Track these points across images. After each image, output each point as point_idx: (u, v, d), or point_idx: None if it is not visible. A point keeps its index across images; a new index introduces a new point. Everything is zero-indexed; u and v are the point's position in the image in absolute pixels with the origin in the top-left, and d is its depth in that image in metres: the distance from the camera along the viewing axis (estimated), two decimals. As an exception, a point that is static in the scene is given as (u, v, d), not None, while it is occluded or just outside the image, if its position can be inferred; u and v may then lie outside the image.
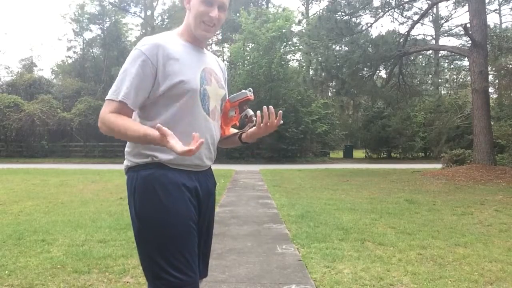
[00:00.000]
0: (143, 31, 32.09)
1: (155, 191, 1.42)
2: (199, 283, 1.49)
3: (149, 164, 1.45)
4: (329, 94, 24.02)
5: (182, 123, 1.46)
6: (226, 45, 32.59)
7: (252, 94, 1.62)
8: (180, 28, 1.58)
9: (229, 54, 29.13)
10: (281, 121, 1.55)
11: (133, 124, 1.40)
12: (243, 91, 1.63)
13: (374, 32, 22.81)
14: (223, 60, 27.58)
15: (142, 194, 1.44)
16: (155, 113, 1.47)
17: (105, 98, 1.46)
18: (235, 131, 1.69)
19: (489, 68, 14.02)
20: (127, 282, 3.02)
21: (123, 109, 1.42)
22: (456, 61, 26.39)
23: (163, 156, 1.44)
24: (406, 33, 14.53)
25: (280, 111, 1.56)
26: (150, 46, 1.43)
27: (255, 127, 1.60)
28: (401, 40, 14.17)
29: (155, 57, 1.42)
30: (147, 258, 1.45)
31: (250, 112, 1.63)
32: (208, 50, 1.72)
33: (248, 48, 24.15)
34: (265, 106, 1.56)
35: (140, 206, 1.44)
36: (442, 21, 28.04)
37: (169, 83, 1.43)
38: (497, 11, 28.03)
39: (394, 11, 15.20)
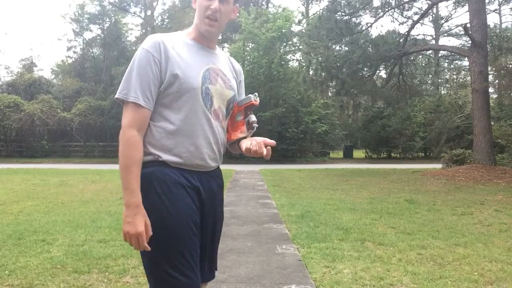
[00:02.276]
0: (143, 31, 32.02)
1: (155, 189, 1.41)
2: (200, 285, 1.46)
3: (151, 162, 1.44)
4: (329, 94, 23.99)
5: (184, 122, 1.46)
6: (226, 45, 32.54)
7: (257, 99, 1.58)
8: (190, 28, 1.61)
9: (229, 54, 29.08)
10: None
11: (136, 169, 1.39)
12: (249, 95, 1.60)
13: (374, 32, 22.84)
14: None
15: (142, 192, 1.41)
16: (157, 113, 1.46)
17: (115, 97, 1.44)
18: (243, 136, 1.62)
19: (489, 68, 14.04)
20: (127, 282, 3.02)
21: (139, 112, 1.41)
22: (456, 61, 26.44)
23: (166, 157, 1.44)
24: (406, 33, 14.54)
25: (269, 147, 1.49)
26: (153, 43, 1.46)
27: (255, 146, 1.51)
28: (401, 40, 14.17)
29: (158, 53, 1.44)
30: (147, 258, 1.44)
31: (252, 118, 1.60)
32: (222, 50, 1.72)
33: (248, 48, 24.15)
34: (255, 143, 1.49)
35: None
36: (442, 21, 28.11)
37: (169, 80, 1.44)
38: (497, 11, 28.13)
39: (394, 11, 15.22)
